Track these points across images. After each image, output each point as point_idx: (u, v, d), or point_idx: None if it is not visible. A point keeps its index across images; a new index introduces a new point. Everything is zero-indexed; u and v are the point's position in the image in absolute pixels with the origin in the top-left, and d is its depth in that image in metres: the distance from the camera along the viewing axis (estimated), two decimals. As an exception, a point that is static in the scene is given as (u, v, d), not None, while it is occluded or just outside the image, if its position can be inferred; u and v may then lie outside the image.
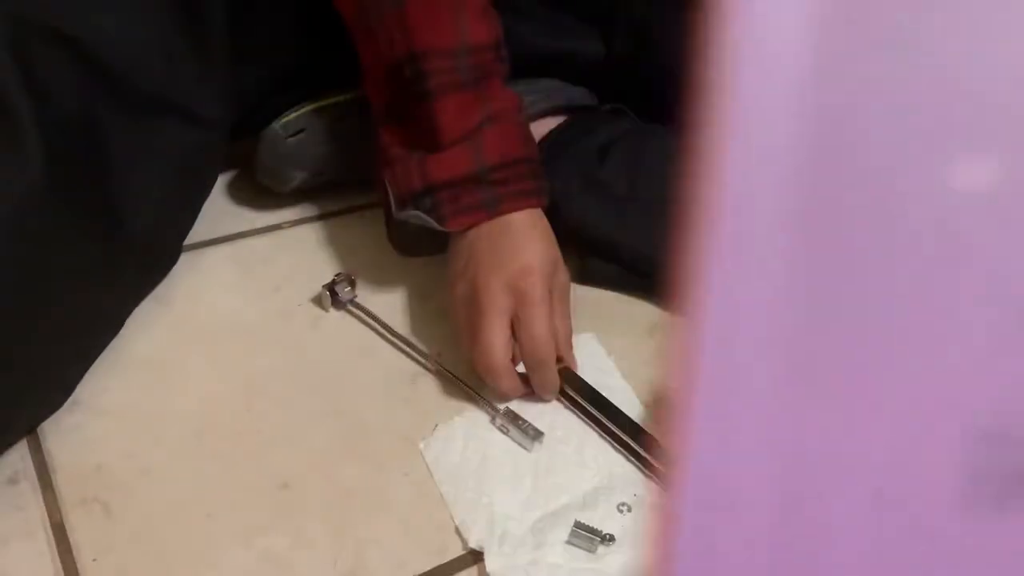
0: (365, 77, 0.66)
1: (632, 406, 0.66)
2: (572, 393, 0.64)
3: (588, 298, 0.75)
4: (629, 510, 0.59)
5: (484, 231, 0.63)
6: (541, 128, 0.78)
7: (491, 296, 0.61)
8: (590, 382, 0.67)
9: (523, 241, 0.63)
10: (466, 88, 0.62)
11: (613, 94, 0.82)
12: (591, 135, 0.77)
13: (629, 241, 0.73)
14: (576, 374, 0.64)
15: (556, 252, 0.65)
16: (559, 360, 0.63)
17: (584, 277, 0.76)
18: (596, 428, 0.63)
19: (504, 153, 0.63)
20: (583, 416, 0.63)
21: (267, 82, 0.72)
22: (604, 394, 0.66)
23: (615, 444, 0.62)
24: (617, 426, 0.61)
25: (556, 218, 0.76)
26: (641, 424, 0.62)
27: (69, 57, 0.55)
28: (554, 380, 0.63)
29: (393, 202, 0.64)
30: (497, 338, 0.61)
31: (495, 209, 0.63)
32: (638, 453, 0.60)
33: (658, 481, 0.59)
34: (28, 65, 0.53)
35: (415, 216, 0.63)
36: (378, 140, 0.65)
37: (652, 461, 0.59)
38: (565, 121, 0.79)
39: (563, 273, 0.65)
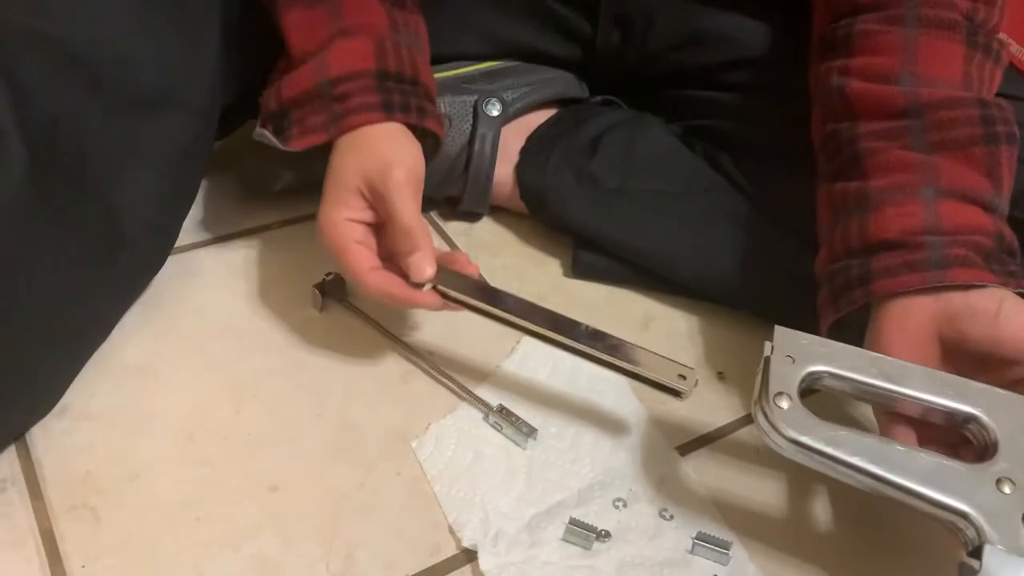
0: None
1: (625, 398, 0.65)
2: (447, 290, 0.59)
3: (580, 291, 0.75)
4: (624, 506, 0.58)
5: (336, 152, 0.61)
6: (532, 121, 0.78)
7: (336, 178, 0.60)
8: (584, 374, 0.66)
9: (374, 146, 0.60)
10: (314, 3, 0.62)
11: (603, 85, 0.81)
12: (582, 127, 0.76)
13: (621, 234, 0.72)
14: (447, 270, 0.59)
15: (415, 153, 0.61)
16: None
17: (576, 270, 0.76)
18: (492, 318, 0.59)
19: (349, 66, 0.61)
20: (471, 310, 0.60)
21: (254, 74, 0.71)
22: (599, 387, 0.66)
23: (517, 328, 0.59)
24: (506, 310, 0.59)
25: (547, 211, 0.76)
26: (531, 302, 0.59)
27: (53, 59, 0.54)
28: (430, 259, 0.58)
29: (258, 124, 0.64)
30: (340, 212, 0.59)
31: (336, 127, 0.60)
32: (538, 333, 0.58)
33: (565, 347, 0.58)
34: (10, 69, 0.52)
35: (260, 135, 0.63)
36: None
37: (553, 336, 0.58)
38: (556, 114, 0.79)
39: (420, 168, 0.62)
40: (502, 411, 0.62)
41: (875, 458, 0.47)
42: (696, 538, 0.56)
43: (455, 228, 0.80)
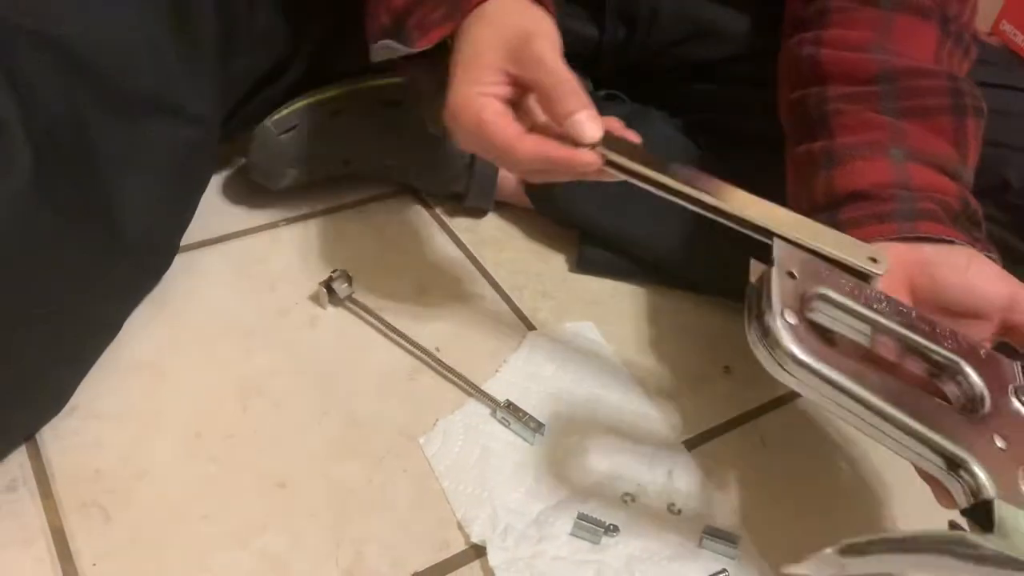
0: None
1: (632, 393, 0.65)
2: (611, 153, 0.51)
3: (585, 286, 0.75)
4: (633, 500, 0.58)
5: (457, 38, 0.55)
6: (536, 117, 0.78)
7: (468, 56, 0.53)
8: (591, 369, 0.66)
9: (509, 17, 0.54)
10: None
11: (606, 79, 0.81)
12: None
13: (626, 228, 0.72)
14: (609, 133, 0.52)
15: (552, 21, 0.55)
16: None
17: (581, 265, 0.76)
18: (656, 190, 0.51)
19: None
20: (632, 177, 0.51)
21: (256, 76, 0.71)
22: (606, 382, 0.66)
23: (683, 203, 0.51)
24: (675, 178, 0.51)
25: (552, 206, 0.76)
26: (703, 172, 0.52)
27: (55, 59, 0.54)
28: (596, 118, 0.51)
29: (371, 51, 0.59)
30: (474, 87, 0.52)
31: (458, 11, 0.55)
32: (711, 206, 0.51)
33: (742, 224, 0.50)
34: (13, 69, 0.52)
35: (384, 47, 0.58)
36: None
37: (730, 212, 0.50)
38: (559, 109, 0.79)
39: (559, 36, 0.55)
40: (509, 406, 0.62)
41: (882, 391, 0.43)
42: (704, 532, 0.56)
43: (460, 224, 0.80)
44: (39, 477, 0.55)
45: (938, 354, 0.46)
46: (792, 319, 0.43)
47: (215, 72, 0.64)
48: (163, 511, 0.54)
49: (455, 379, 0.64)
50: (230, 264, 0.72)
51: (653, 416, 0.64)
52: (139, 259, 0.62)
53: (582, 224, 0.75)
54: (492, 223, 0.81)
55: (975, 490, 0.42)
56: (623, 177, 0.51)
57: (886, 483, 0.62)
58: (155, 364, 0.63)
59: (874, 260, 0.48)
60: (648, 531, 0.56)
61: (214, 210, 0.75)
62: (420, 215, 0.80)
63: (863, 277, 0.48)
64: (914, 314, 0.47)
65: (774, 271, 0.45)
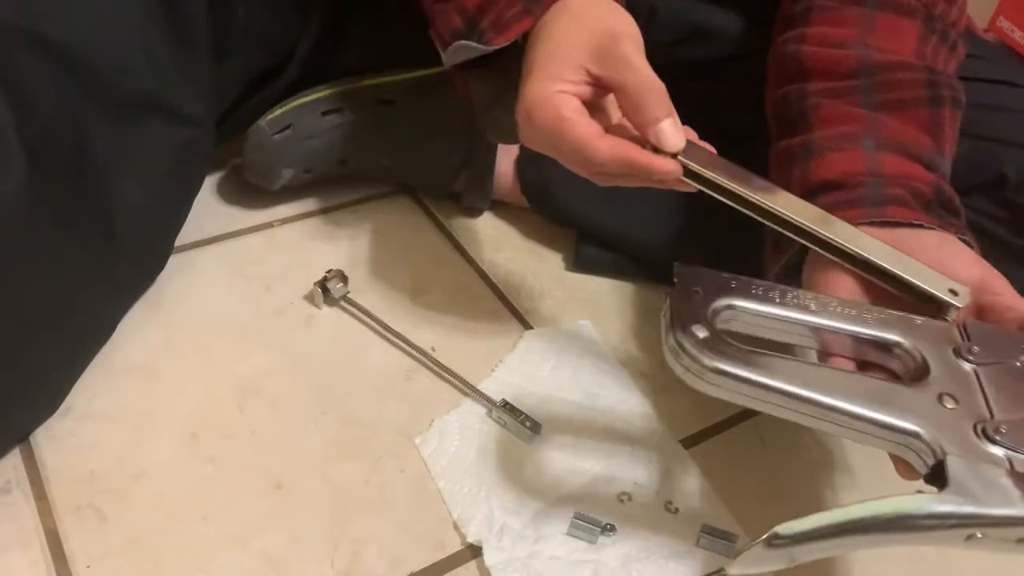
0: None
1: (629, 391, 0.65)
2: (691, 163, 0.50)
3: (582, 285, 0.75)
4: (629, 499, 0.58)
5: (537, 33, 0.53)
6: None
7: (549, 54, 0.51)
8: (588, 368, 0.66)
9: (592, 14, 0.52)
10: None
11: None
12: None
13: (624, 227, 0.72)
14: (690, 143, 0.51)
15: (632, 20, 0.54)
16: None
17: (578, 264, 0.76)
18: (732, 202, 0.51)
19: None
20: (711, 189, 0.50)
21: (251, 76, 0.71)
22: (603, 381, 0.66)
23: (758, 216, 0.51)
24: (756, 191, 0.51)
25: (548, 204, 0.76)
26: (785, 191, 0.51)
27: (49, 60, 0.54)
28: (680, 126, 0.51)
29: (443, 56, 0.57)
30: (553, 85, 0.50)
31: (538, 5, 0.53)
32: (791, 224, 0.51)
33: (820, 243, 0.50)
34: (7, 70, 0.52)
35: (459, 48, 0.56)
36: (427, 18, 0.60)
37: (812, 230, 0.50)
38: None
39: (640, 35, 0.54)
40: (506, 406, 0.61)
41: (812, 383, 0.43)
42: (702, 531, 0.56)
43: (456, 224, 0.79)
44: (33, 479, 0.55)
45: (866, 335, 0.47)
46: (702, 332, 0.44)
47: (209, 73, 0.64)
48: (159, 512, 0.54)
49: (451, 379, 0.64)
50: (225, 264, 0.72)
51: (650, 415, 0.64)
52: (134, 259, 0.62)
53: (579, 223, 0.75)
54: (488, 222, 0.80)
55: (930, 455, 0.42)
56: (700, 188, 0.51)
57: (887, 481, 0.62)
58: (150, 365, 0.63)
59: (954, 292, 0.48)
60: (645, 530, 0.56)
61: (209, 210, 0.75)
62: (416, 214, 0.80)
63: (942, 308, 0.48)
64: (836, 304, 0.48)
65: (676, 291, 0.46)
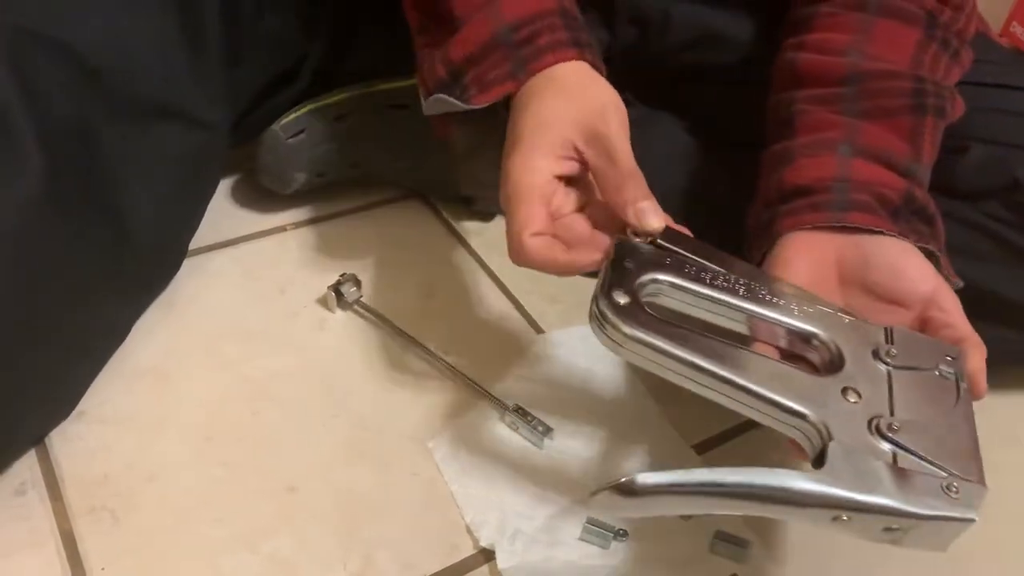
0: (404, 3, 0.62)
1: (641, 396, 0.65)
2: (670, 245, 0.50)
3: (591, 291, 0.74)
4: (642, 504, 0.58)
5: (523, 99, 0.54)
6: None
7: (540, 124, 0.52)
8: (600, 373, 0.66)
9: (582, 88, 0.53)
10: None
11: (615, 82, 0.81)
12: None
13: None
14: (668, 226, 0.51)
15: (616, 93, 0.55)
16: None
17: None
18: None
19: (526, 7, 0.55)
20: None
21: (264, 82, 0.72)
22: (615, 386, 0.66)
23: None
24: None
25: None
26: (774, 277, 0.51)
27: (66, 65, 0.54)
28: (658, 209, 0.50)
29: (424, 103, 0.58)
30: (539, 159, 0.51)
31: (523, 71, 0.54)
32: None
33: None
34: (25, 75, 0.52)
35: (438, 101, 0.56)
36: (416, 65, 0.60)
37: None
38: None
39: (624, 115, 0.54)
40: (518, 410, 0.61)
41: (719, 359, 0.44)
42: (715, 536, 0.56)
43: (468, 228, 0.80)
44: (48, 481, 0.55)
45: (787, 324, 0.48)
46: (621, 299, 0.45)
47: (223, 78, 0.64)
48: (172, 515, 0.54)
49: (463, 383, 0.64)
50: (239, 268, 0.72)
51: (663, 420, 0.64)
52: (147, 262, 0.62)
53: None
54: (500, 227, 0.79)
55: (818, 439, 0.43)
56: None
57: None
58: (163, 368, 0.63)
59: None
60: (658, 535, 0.56)
61: (223, 214, 0.76)
62: (428, 219, 0.80)
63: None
64: (767, 292, 0.48)
65: (610, 263, 0.47)
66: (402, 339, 0.67)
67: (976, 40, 0.64)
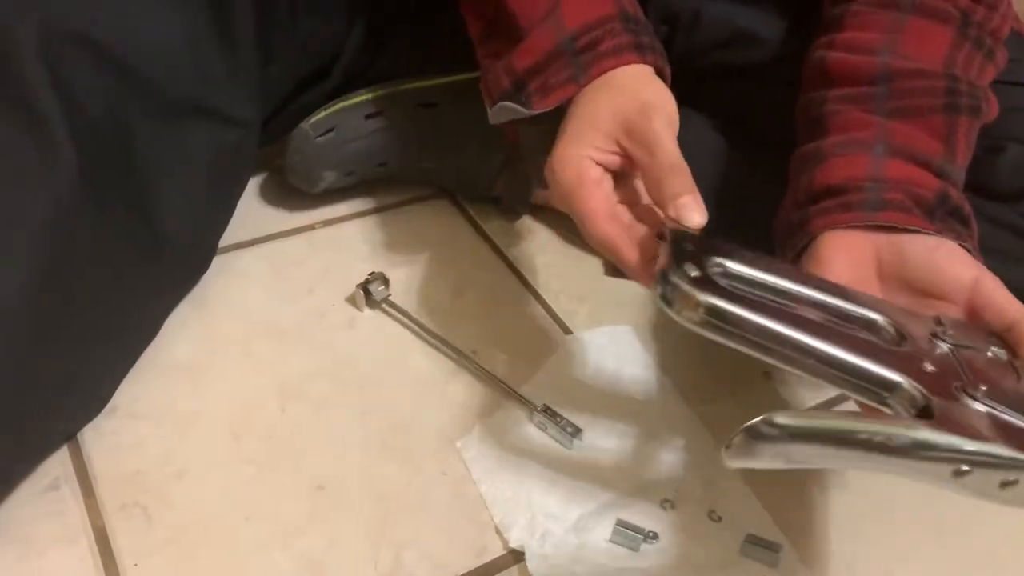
0: (461, 5, 0.63)
1: (671, 397, 0.65)
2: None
3: (621, 290, 0.74)
4: (672, 506, 0.57)
5: (578, 101, 0.54)
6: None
7: (583, 118, 0.53)
8: (629, 373, 0.66)
9: (631, 86, 0.53)
10: None
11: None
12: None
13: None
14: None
15: (672, 98, 0.55)
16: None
17: (617, 269, 0.75)
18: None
19: (587, 14, 0.55)
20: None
21: (295, 81, 0.72)
22: (644, 387, 0.65)
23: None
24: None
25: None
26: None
27: (98, 62, 0.55)
28: (701, 204, 0.49)
29: (489, 112, 0.59)
30: (580, 148, 0.51)
31: (584, 75, 0.54)
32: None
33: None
34: (58, 72, 0.53)
35: (503, 109, 0.57)
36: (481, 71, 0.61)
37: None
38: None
39: (677, 113, 0.55)
40: (547, 411, 0.61)
41: (801, 328, 0.42)
42: (746, 540, 0.55)
43: (495, 227, 0.79)
44: (80, 476, 0.56)
45: (847, 309, 0.46)
46: (693, 271, 0.43)
47: (255, 76, 0.65)
48: (203, 512, 0.55)
49: (492, 382, 0.64)
50: (268, 265, 0.72)
51: (693, 421, 0.63)
52: (178, 259, 0.63)
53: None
54: (528, 226, 0.80)
55: (913, 402, 0.41)
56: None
57: (930, 490, 0.61)
58: (194, 365, 0.63)
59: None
60: (688, 538, 0.56)
61: (252, 212, 0.76)
62: (456, 218, 0.80)
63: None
64: (819, 280, 0.48)
65: (668, 243, 0.46)
66: (430, 338, 0.67)
67: (1011, 40, 0.64)
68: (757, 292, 0.46)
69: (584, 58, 0.55)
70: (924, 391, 0.41)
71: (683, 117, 0.76)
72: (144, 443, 0.58)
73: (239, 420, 0.60)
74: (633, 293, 0.74)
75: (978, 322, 0.49)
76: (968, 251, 0.53)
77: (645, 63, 0.55)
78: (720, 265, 0.46)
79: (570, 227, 0.79)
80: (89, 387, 0.58)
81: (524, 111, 0.56)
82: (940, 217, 0.53)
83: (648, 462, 0.60)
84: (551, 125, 0.59)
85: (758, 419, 0.39)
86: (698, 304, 0.42)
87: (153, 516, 0.54)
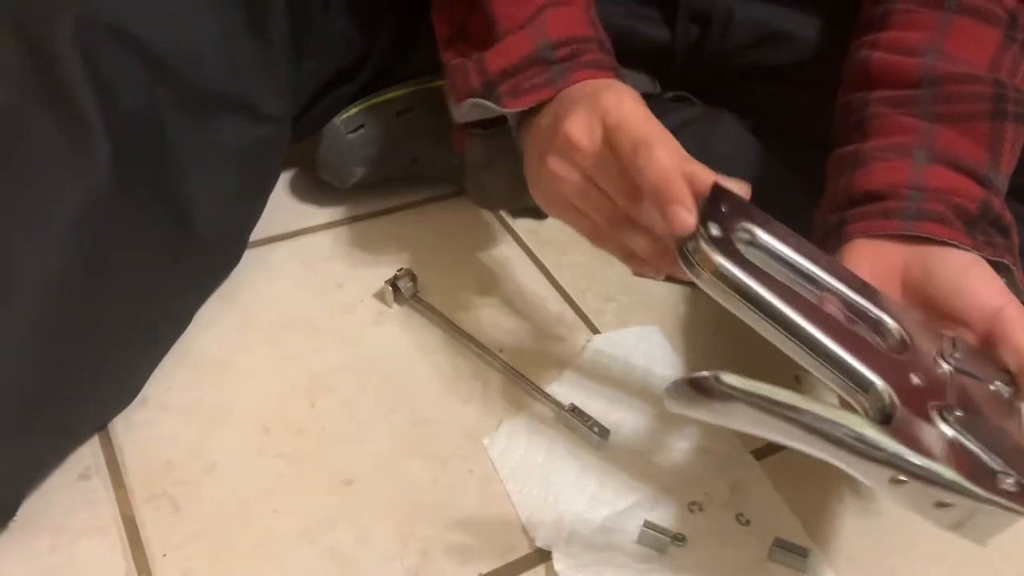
0: (432, 8, 0.63)
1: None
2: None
3: (649, 290, 0.74)
4: (700, 509, 0.57)
5: (552, 106, 0.54)
6: (603, 118, 0.77)
7: (572, 107, 0.51)
8: (657, 374, 0.65)
9: (606, 89, 0.52)
10: None
11: (676, 81, 0.80)
12: (655, 123, 0.75)
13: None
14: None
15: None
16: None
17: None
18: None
19: (569, 31, 0.56)
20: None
21: (327, 77, 0.72)
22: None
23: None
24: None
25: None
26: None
27: (133, 56, 0.55)
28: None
29: (453, 112, 0.60)
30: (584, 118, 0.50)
31: (563, 79, 0.54)
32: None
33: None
34: (95, 65, 0.53)
35: (472, 106, 0.57)
36: (444, 69, 0.61)
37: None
38: (627, 110, 0.78)
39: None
40: (574, 411, 0.61)
41: (799, 309, 0.43)
42: (774, 544, 0.55)
43: (522, 225, 0.79)
44: (111, 467, 0.56)
45: (861, 304, 0.47)
46: (715, 231, 0.44)
47: (287, 72, 0.65)
48: (232, 505, 0.55)
49: (519, 381, 0.64)
50: (297, 261, 0.73)
51: (720, 425, 0.63)
52: (210, 253, 0.63)
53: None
54: (555, 224, 0.80)
55: (880, 406, 0.42)
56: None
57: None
58: (224, 358, 0.64)
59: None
60: (716, 541, 0.55)
61: (282, 207, 0.76)
62: (483, 216, 0.80)
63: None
64: (844, 271, 0.48)
65: (706, 200, 0.46)
66: (458, 335, 0.67)
67: None
68: (779, 267, 0.47)
69: (563, 65, 0.55)
70: (895, 398, 0.42)
71: (715, 117, 0.76)
72: (174, 435, 0.58)
73: (269, 414, 0.60)
74: (660, 294, 0.74)
75: (991, 353, 0.48)
76: (1008, 266, 0.52)
77: (620, 77, 0.56)
78: (749, 231, 0.46)
79: (599, 226, 0.79)
80: (120, 377, 0.58)
81: (497, 109, 0.56)
82: (981, 229, 0.52)
83: (676, 464, 0.60)
84: (501, 141, 0.60)
85: (706, 372, 0.40)
86: (709, 263, 0.43)
87: (182, 507, 0.54)
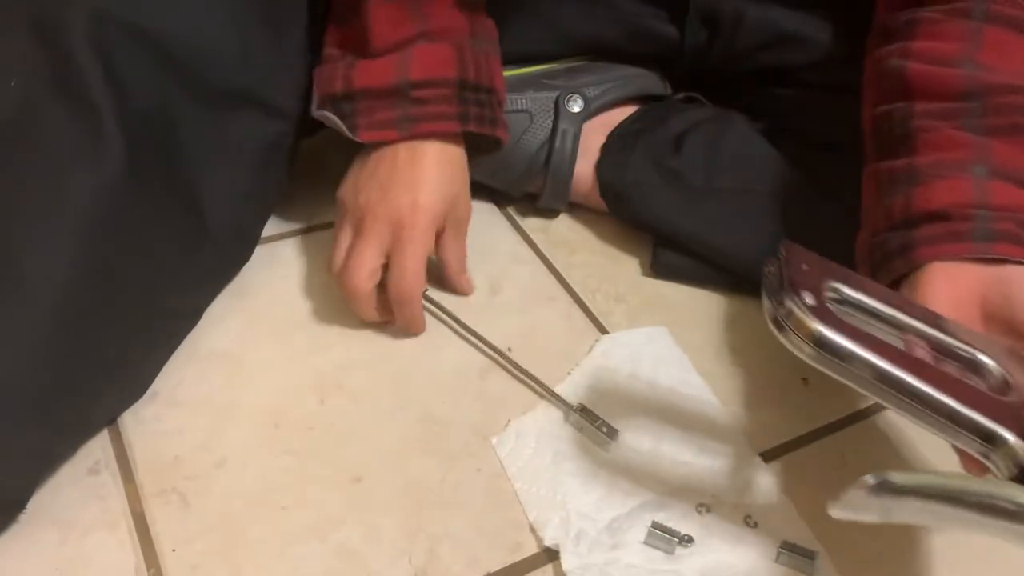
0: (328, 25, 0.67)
1: (708, 401, 0.64)
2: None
3: (659, 291, 0.74)
4: (708, 511, 0.57)
5: (391, 153, 0.63)
6: (614, 117, 0.77)
7: (373, 223, 0.62)
8: (665, 375, 0.65)
9: (424, 175, 0.63)
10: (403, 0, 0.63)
11: (686, 82, 0.80)
12: (664, 124, 0.75)
13: (704, 232, 0.71)
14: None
15: (457, 187, 0.66)
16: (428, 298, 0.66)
17: (655, 269, 0.75)
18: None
19: (432, 71, 0.63)
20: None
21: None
22: (681, 389, 0.65)
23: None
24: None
25: (626, 208, 0.75)
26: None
27: (147, 51, 0.55)
28: (417, 319, 0.65)
29: (314, 101, 0.65)
30: (366, 263, 0.62)
31: (407, 131, 0.63)
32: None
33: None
34: (108, 59, 0.53)
35: (328, 118, 0.64)
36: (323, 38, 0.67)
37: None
38: (638, 110, 0.78)
39: (463, 208, 0.67)
40: (583, 411, 0.61)
41: (913, 370, 0.41)
42: (781, 547, 0.55)
43: (532, 224, 0.79)
44: (121, 461, 0.56)
45: (957, 348, 0.45)
46: (809, 299, 0.42)
47: (302, 68, 0.65)
48: (241, 500, 0.55)
49: (527, 380, 0.64)
50: (309, 257, 0.73)
51: (730, 426, 0.63)
52: (222, 248, 0.63)
53: (658, 228, 0.74)
54: (564, 224, 0.80)
55: (1016, 459, 0.40)
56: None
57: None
58: (234, 354, 0.64)
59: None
60: (723, 543, 0.55)
61: (295, 203, 0.76)
62: (492, 214, 0.80)
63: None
64: (925, 311, 0.47)
65: (784, 261, 0.44)
66: (467, 334, 0.67)
67: None
68: (868, 320, 0.46)
69: (413, 110, 0.63)
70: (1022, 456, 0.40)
71: (725, 118, 0.76)
72: (183, 430, 0.59)
73: (278, 410, 0.60)
74: (670, 295, 0.74)
75: None
76: None
77: (466, 129, 0.64)
78: (836, 290, 0.45)
79: (608, 226, 0.79)
80: (130, 372, 0.58)
81: (347, 133, 0.63)
82: None
83: (684, 465, 0.60)
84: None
85: (870, 477, 0.39)
86: (811, 334, 0.41)
87: (192, 503, 0.55)
